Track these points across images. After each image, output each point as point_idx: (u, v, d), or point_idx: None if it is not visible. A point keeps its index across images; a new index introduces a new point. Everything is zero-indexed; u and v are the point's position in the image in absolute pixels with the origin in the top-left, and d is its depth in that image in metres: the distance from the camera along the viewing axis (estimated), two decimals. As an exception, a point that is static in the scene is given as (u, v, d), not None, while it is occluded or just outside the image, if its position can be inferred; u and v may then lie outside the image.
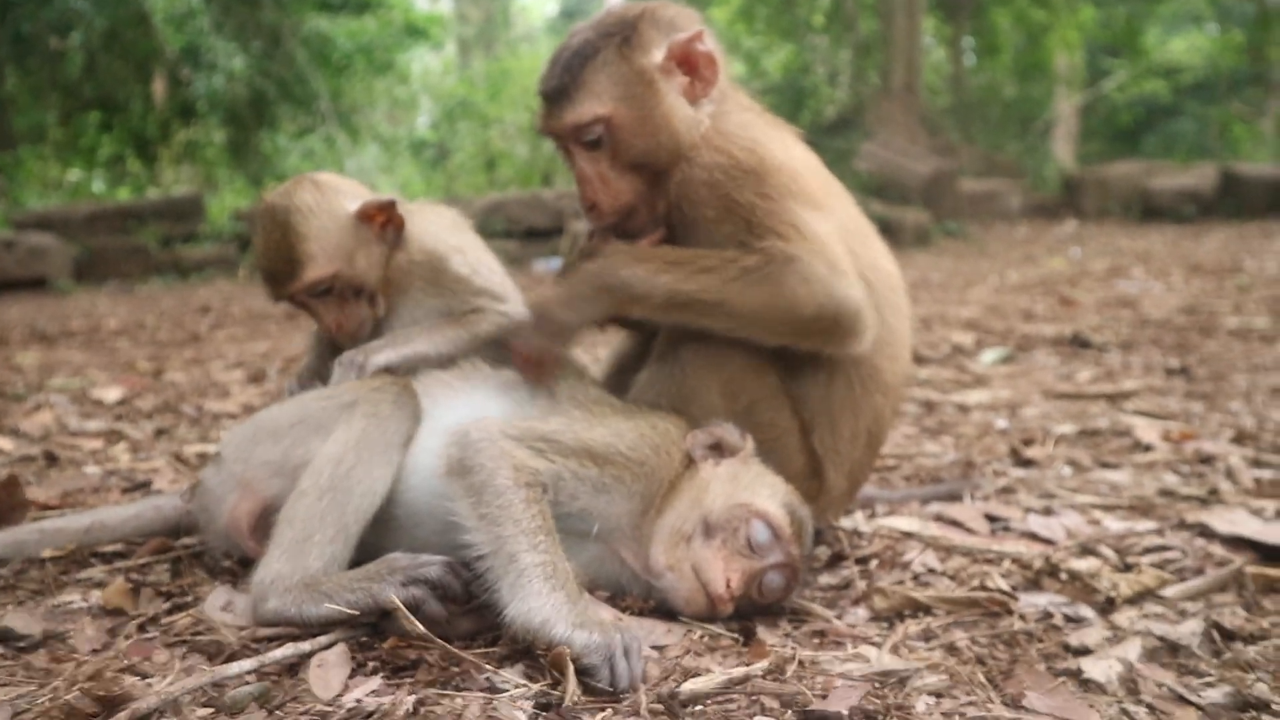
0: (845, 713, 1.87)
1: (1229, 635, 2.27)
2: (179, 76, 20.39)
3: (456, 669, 2.05)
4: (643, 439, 2.40)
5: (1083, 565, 2.65)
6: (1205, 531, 2.97)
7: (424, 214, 2.99)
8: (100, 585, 2.59)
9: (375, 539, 2.39)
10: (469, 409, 2.54)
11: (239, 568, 2.63)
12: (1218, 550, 2.83)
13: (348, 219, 2.80)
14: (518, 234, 16.04)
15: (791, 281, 2.42)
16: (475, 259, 2.94)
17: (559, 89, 2.64)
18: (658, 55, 2.64)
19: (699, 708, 1.91)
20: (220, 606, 2.39)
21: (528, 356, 2.60)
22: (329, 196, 2.82)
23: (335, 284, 2.78)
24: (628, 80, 2.61)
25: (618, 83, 2.61)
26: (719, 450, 2.49)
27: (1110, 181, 22.08)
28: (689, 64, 2.67)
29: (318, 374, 2.89)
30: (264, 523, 2.47)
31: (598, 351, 6.18)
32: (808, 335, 2.50)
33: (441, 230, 2.97)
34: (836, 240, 2.54)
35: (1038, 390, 5.40)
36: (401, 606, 2.13)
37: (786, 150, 2.66)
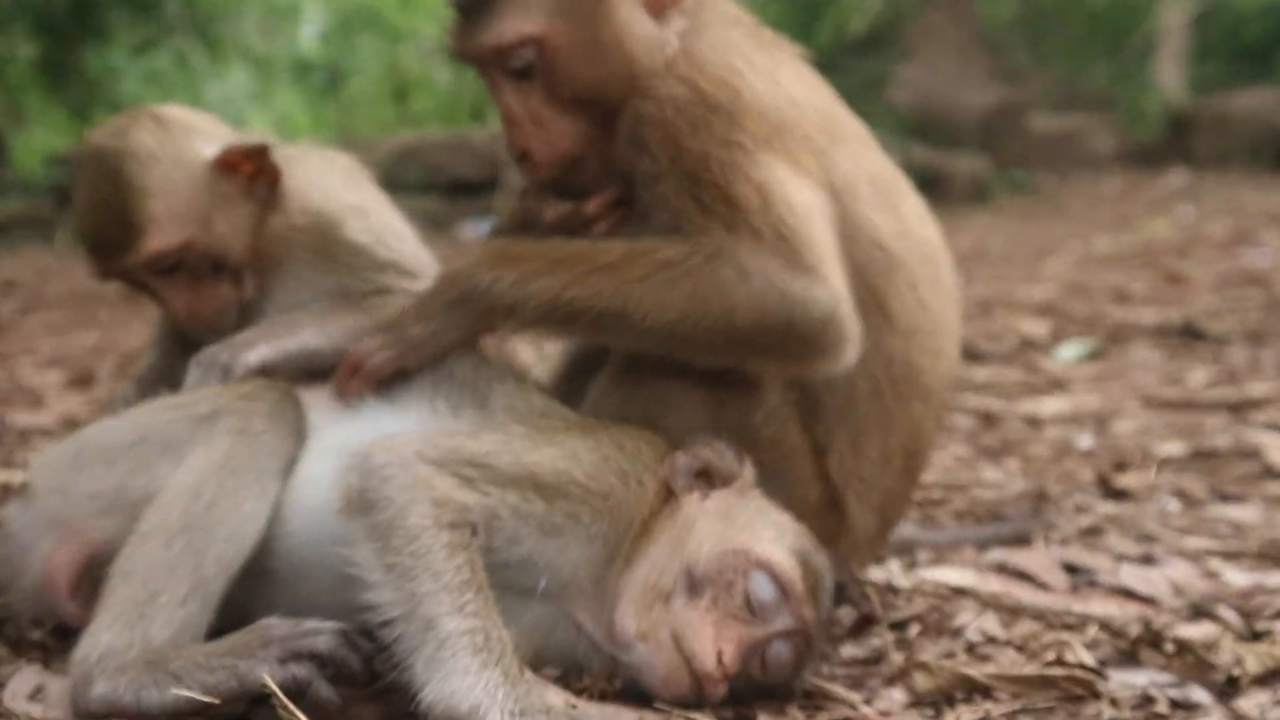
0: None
1: (1389, 725, 2.29)
2: (-29, -31, 20.16)
3: (354, 774, 2.05)
4: (606, 463, 2.40)
5: (1195, 632, 2.67)
6: (1359, 587, 3.00)
7: (309, 162, 2.98)
8: None
9: (246, 598, 2.38)
10: (372, 423, 2.54)
11: (53, 640, 2.60)
12: (1376, 612, 2.86)
13: (203, 169, 2.79)
14: (439, 187, 15.99)
15: (724, 277, 2.42)
16: (379, 223, 2.93)
17: None
18: None
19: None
20: (26, 694, 2.36)
21: (353, 365, 2.60)
22: (177, 138, 2.81)
23: (186, 256, 2.77)
24: None
25: None
26: (707, 478, 2.49)
27: (1232, 117, 22.22)
28: None
29: (164, 376, 2.87)
30: (90, 578, 2.45)
31: (546, 347, 6.18)
32: (754, 352, 2.51)
33: (333, 184, 2.96)
34: (817, 217, 2.55)
35: (1134, 397, 5.44)
36: (278, 691, 2.11)
37: (778, 85, 2.66)
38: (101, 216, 2.76)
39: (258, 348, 2.72)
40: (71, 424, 5.18)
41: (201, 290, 2.82)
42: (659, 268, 2.44)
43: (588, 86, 2.65)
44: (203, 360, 2.71)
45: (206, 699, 2.17)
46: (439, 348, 2.61)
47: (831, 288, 2.47)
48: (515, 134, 2.71)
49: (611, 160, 2.69)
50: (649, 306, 2.43)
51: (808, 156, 2.61)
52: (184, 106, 2.96)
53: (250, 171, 2.82)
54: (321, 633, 2.22)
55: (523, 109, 2.68)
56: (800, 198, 2.53)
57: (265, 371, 2.68)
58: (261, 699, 2.16)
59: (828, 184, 2.64)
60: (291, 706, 2.09)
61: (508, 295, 2.50)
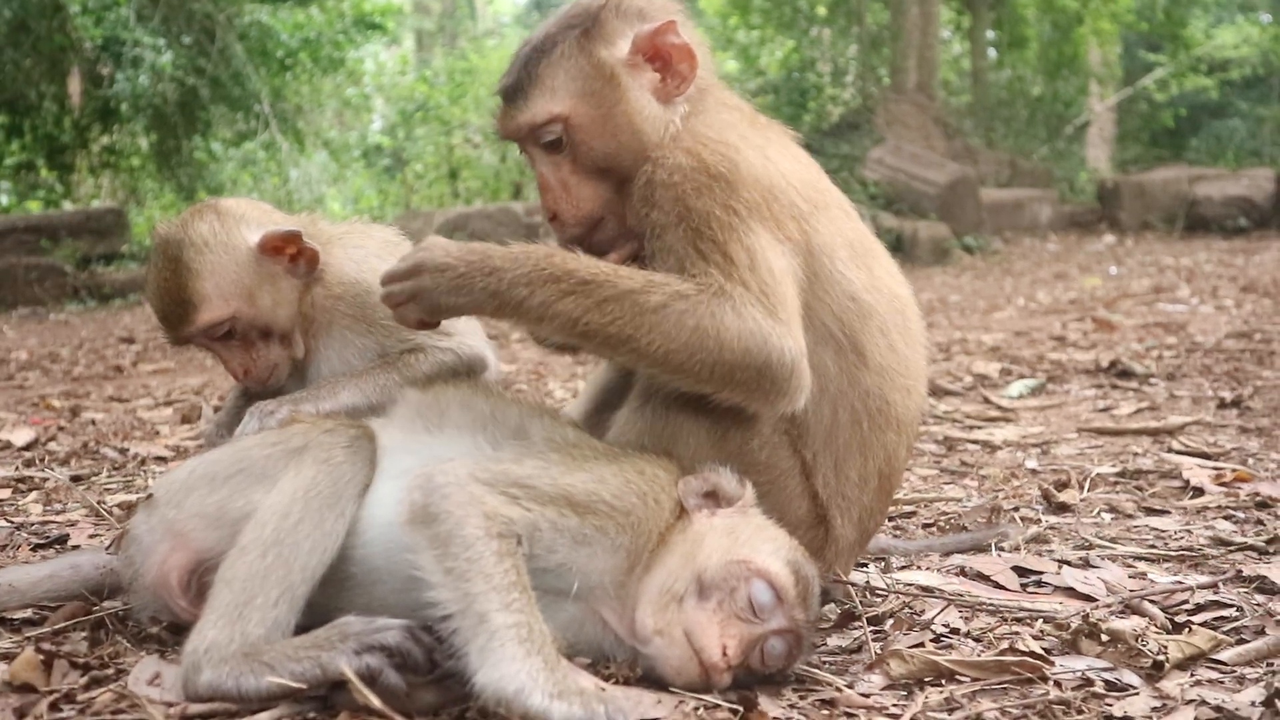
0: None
1: (1292, 704, 2.27)
2: (98, 74, 20.34)
3: (418, 748, 2.04)
4: (629, 486, 2.41)
5: (1126, 625, 2.66)
6: (1265, 586, 2.99)
7: (347, 239, 3.01)
8: (7, 657, 2.55)
9: (327, 600, 2.38)
10: (432, 451, 2.55)
11: (168, 635, 2.61)
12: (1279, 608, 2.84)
13: (247, 252, 2.84)
14: (484, 252, 16.08)
15: (722, 318, 2.42)
16: None
17: (515, 86, 2.71)
18: (622, 48, 2.70)
19: (694, 790, 1.91)
20: (147, 680, 2.36)
21: (389, 300, 2.60)
22: (229, 227, 2.85)
23: (236, 325, 2.82)
24: (587, 76, 2.68)
25: (576, 78, 2.68)
26: (714, 499, 2.50)
27: (1151, 190, 22.31)
28: (660, 58, 2.72)
29: (236, 420, 2.90)
30: (197, 580, 2.47)
31: (577, 384, 6.20)
32: (729, 384, 2.49)
33: (367, 256, 2.98)
34: (790, 282, 2.56)
35: (1073, 426, 5.43)
36: (354, 678, 2.12)
37: (768, 160, 2.67)
38: (165, 294, 2.83)
39: (305, 406, 2.76)
40: (182, 453, 5.21)
41: (253, 352, 2.88)
42: (673, 297, 2.43)
43: (605, 157, 2.69)
44: (256, 412, 2.75)
45: (294, 685, 2.17)
46: (454, 313, 2.61)
47: (799, 341, 2.48)
48: (548, 198, 2.75)
49: (626, 221, 2.72)
50: (653, 336, 2.43)
51: (791, 222, 2.62)
52: (246, 199, 3.01)
53: (291, 253, 2.86)
54: (390, 628, 2.22)
55: (554, 177, 2.72)
56: (778, 263, 2.54)
57: None
58: (340, 685, 2.16)
59: (807, 247, 2.64)
60: (366, 690, 2.10)
61: (535, 311, 2.48)
